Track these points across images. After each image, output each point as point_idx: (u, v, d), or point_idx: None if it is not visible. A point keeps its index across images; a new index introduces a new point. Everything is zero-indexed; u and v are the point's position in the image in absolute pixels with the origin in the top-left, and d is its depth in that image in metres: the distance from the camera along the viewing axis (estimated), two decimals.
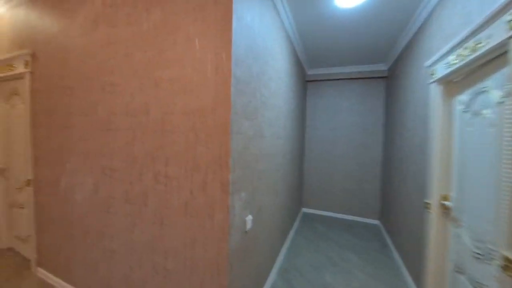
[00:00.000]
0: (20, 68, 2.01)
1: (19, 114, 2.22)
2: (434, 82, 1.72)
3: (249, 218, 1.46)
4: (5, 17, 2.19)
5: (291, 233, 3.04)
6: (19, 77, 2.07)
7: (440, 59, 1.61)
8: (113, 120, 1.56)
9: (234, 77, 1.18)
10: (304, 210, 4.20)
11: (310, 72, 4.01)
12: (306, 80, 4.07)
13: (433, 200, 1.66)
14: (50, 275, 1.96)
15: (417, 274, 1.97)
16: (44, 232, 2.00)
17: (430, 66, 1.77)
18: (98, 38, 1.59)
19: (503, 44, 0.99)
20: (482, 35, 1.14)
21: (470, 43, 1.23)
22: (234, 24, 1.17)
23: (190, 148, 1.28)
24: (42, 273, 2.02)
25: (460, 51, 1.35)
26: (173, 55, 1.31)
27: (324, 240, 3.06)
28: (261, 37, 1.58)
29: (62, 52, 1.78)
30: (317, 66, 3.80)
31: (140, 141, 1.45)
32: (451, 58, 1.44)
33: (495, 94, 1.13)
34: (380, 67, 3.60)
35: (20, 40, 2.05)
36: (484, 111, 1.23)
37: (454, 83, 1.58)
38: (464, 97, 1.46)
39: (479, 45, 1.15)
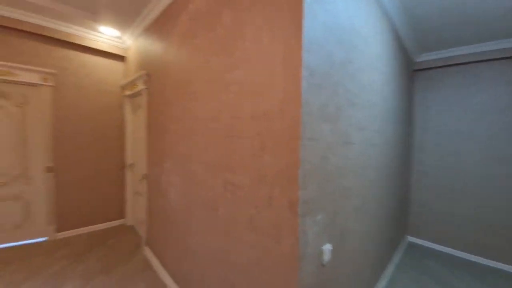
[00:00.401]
0: (140, 86, 2.56)
1: (141, 123, 2.85)
2: None
3: (328, 247, 1.15)
4: (133, 47, 2.89)
5: (390, 269, 2.35)
6: (140, 93, 2.65)
7: None
8: (195, 126, 1.65)
9: (306, 67, 0.93)
10: (410, 239, 3.23)
11: (420, 58, 3.07)
12: (414, 70, 3.15)
13: None
14: (153, 255, 2.35)
15: None
16: (151, 218, 2.43)
17: None
18: (185, 51, 1.74)
19: None
20: None
21: None
22: None
23: (256, 157, 1.12)
24: (148, 252, 2.46)
25: None
26: (241, 54, 1.21)
27: (440, 286, 2.18)
28: (347, 14, 1.24)
29: (164, 69, 2.09)
30: (430, 49, 2.85)
31: (213, 146, 1.45)
32: None
33: None
34: None
35: (141, 64, 2.62)
36: None
37: None
38: None
39: None
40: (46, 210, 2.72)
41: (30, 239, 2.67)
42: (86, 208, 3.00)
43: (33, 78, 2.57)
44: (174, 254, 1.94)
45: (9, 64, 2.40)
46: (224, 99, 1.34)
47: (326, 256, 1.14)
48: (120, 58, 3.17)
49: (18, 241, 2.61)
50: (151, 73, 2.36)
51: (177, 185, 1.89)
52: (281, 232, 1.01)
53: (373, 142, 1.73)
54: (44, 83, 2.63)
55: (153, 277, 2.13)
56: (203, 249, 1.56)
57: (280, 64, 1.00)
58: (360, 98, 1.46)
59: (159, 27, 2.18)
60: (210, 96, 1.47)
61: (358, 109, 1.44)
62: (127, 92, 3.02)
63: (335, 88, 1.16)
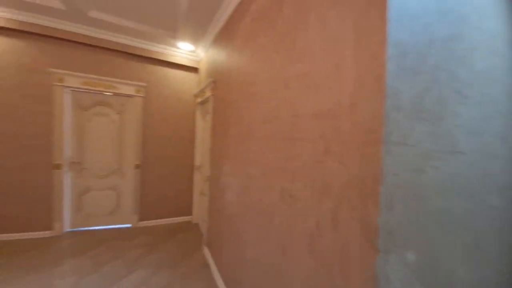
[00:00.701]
0: (208, 93, 2.74)
1: (208, 127, 3.05)
2: None
3: None
4: (204, 58, 3.16)
5: None
6: (208, 100, 2.84)
7: None
8: (253, 128, 1.58)
9: (394, 44, 0.69)
10: None
11: None
12: None
13: None
14: (210, 256, 2.40)
15: None
16: (211, 219, 2.52)
17: None
18: (246, 53, 1.72)
19: None
20: None
21: None
22: None
23: (318, 163, 0.92)
24: (206, 252, 2.54)
25: None
26: (303, 45, 1.05)
27: None
28: None
29: (228, 74, 2.15)
30: None
31: (271, 149, 1.33)
32: None
33: None
34: None
35: (210, 73, 2.82)
36: None
37: None
38: None
39: None
40: (133, 201, 3.24)
41: (119, 224, 3.23)
42: (163, 202, 3.42)
43: (129, 91, 3.14)
44: (228, 260, 1.90)
45: (113, 79, 3.02)
46: (284, 96, 1.20)
47: None
48: (194, 70, 3.54)
49: (110, 225, 3.19)
50: (217, 79, 2.48)
51: (234, 189, 1.86)
52: (349, 268, 0.77)
53: (493, 152, 1.21)
54: (137, 94, 3.18)
55: (210, 279, 2.16)
56: (256, 261, 1.44)
57: (351, 47, 0.78)
58: (472, 89, 1.04)
59: (224, 35, 2.28)
60: (269, 95, 1.36)
61: (469, 104, 1.02)
62: (198, 100, 3.31)
63: (436, 74, 0.84)
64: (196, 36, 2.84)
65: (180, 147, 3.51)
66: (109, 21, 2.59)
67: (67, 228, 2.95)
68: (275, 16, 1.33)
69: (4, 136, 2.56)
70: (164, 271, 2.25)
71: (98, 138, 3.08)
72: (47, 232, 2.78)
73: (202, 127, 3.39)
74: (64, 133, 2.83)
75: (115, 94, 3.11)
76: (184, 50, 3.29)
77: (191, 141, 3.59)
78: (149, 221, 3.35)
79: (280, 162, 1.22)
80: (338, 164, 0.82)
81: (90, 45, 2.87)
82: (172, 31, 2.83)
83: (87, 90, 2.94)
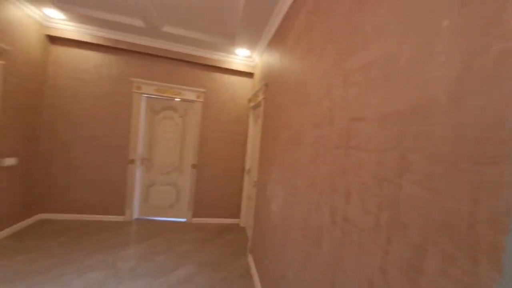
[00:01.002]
0: (260, 97, 2.67)
1: (259, 131, 2.99)
2: None
3: None
4: (259, 63, 3.13)
5: None
6: (260, 103, 2.78)
7: None
8: (302, 133, 1.39)
9: None
10: None
11: None
12: None
13: None
14: (254, 265, 2.28)
15: None
16: (256, 226, 2.41)
17: None
18: (298, 52, 1.55)
19: None
20: None
21: None
22: None
23: (387, 183, 0.67)
24: (250, 260, 2.43)
25: None
26: (371, 25, 0.81)
27: None
28: None
29: (279, 76, 2.02)
30: None
31: (321, 159, 1.11)
32: None
33: None
34: None
35: (263, 76, 2.75)
36: None
37: None
38: None
39: None
40: (189, 198, 3.47)
41: (176, 217, 3.50)
42: (214, 202, 3.55)
43: (192, 96, 3.41)
44: (270, 274, 1.73)
45: (179, 86, 3.34)
46: (340, 95, 0.98)
47: None
48: (249, 75, 3.58)
49: (169, 217, 3.49)
50: (269, 82, 2.39)
51: (279, 199, 1.69)
52: None
53: None
54: (197, 100, 3.43)
55: None
56: (299, 286, 1.23)
57: (449, 14, 0.52)
58: None
59: (277, 37, 2.17)
60: (322, 95, 1.15)
61: None
62: (251, 104, 3.31)
63: None
64: (252, 41, 2.84)
65: (232, 150, 3.58)
66: (178, 33, 2.87)
67: (135, 215, 3.39)
68: (334, 3, 1.12)
69: (99, 135, 3.15)
70: (207, 271, 2.26)
71: (164, 139, 3.45)
72: (120, 217, 3.26)
73: (254, 131, 3.36)
74: (139, 133, 3.28)
75: (180, 100, 3.43)
76: (240, 56, 3.36)
77: (243, 145, 3.61)
78: (201, 219, 3.51)
79: (332, 175, 0.99)
80: (422, 189, 0.55)
81: (162, 56, 3.26)
82: (230, 39, 2.92)
83: (158, 96, 3.34)
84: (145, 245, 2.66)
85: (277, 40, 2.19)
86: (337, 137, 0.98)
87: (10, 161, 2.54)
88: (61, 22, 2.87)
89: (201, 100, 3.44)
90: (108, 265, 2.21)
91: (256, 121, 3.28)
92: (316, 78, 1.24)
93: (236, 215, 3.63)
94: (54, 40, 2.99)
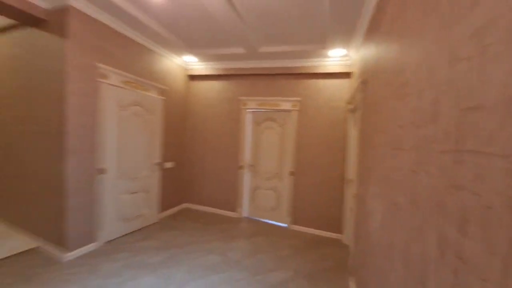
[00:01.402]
0: (358, 96, 2.37)
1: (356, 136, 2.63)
2: None
3: None
4: (356, 60, 2.78)
5: None
6: (357, 105, 2.45)
7: None
8: (400, 135, 1.10)
9: None
10: None
11: None
12: None
13: None
14: (355, 285, 1.99)
15: None
16: (357, 244, 2.10)
17: None
18: (394, 35, 1.25)
19: None
20: None
21: None
22: None
23: None
24: (352, 284, 2.13)
25: None
26: None
27: None
28: None
29: (375, 71, 1.72)
30: None
31: (424, 169, 0.83)
32: None
33: None
34: None
35: (361, 73, 2.43)
36: None
37: None
38: None
39: None
40: (287, 204, 3.58)
41: (277, 221, 3.69)
42: (312, 211, 3.45)
43: (288, 106, 3.56)
44: None
45: (277, 98, 3.59)
46: (445, 77, 0.71)
47: None
48: (346, 75, 3.26)
49: (271, 220, 3.74)
50: (366, 79, 2.07)
51: (377, 215, 1.40)
52: None
53: None
54: (293, 109, 3.53)
55: None
56: None
57: None
58: None
59: (371, 27, 1.86)
60: (422, 83, 0.87)
61: None
62: (350, 106, 2.99)
63: None
64: (345, 39, 2.60)
65: (330, 157, 3.36)
66: (273, 51, 3.14)
67: (245, 214, 3.91)
68: None
69: (220, 147, 3.98)
70: (302, 281, 2.21)
71: (266, 147, 3.80)
72: (233, 213, 3.88)
73: (353, 136, 2.99)
74: (246, 143, 3.82)
75: (278, 111, 3.68)
76: (334, 57, 3.15)
77: (342, 151, 3.29)
78: (300, 227, 3.50)
79: (438, 191, 0.71)
80: None
81: (261, 74, 3.67)
82: (321, 43, 2.84)
83: (260, 109, 3.76)
84: (250, 242, 3.00)
85: (372, 30, 1.88)
86: (443, 137, 0.71)
87: (170, 164, 3.72)
88: (194, 64, 3.94)
89: (296, 108, 3.51)
90: (222, 252, 2.68)
91: (354, 125, 2.90)
92: (415, 62, 0.96)
93: (337, 229, 3.32)
94: (192, 77, 4.14)
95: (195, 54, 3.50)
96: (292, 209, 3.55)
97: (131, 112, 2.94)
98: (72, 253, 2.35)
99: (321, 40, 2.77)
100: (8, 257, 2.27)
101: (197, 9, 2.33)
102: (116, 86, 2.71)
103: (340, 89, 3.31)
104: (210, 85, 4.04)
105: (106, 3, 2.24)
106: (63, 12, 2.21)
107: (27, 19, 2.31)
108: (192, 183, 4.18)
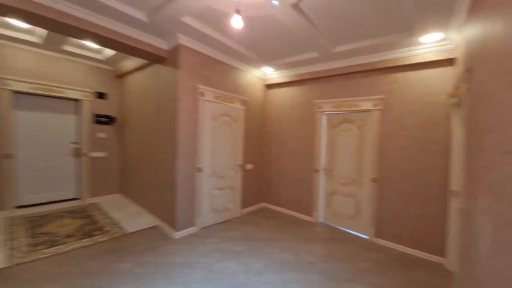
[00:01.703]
0: (462, 88, 1.92)
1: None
2: None
3: None
4: (460, 41, 2.24)
5: None
6: (462, 97, 1.98)
7: None
8: None
9: None
10: None
11: None
12: None
13: None
14: None
15: None
16: (461, 269, 1.69)
17: None
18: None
19: None
20: None
21: None
22: None
23: None
24: None
25: None
26: None
27: None
28: None
29: (484, 52, 1.38)
30: None
31: None
32: None
33: None
34: None
35: (466, 58, 1.96)
36: None
37: None
38: None
39: None
40: (369, 213, 3.24)
41: (357, 231, 3.39)
42: (400, 224, 2.98)
43: (368, 106, 3.26)
44: None
45: (354, 98, 3.35)
46: None
47: None
48: (446, 62, 2.66)
49: (350, 229, 3.47)
50: (474, 65, 1.67)
51: (485, 238, 1.13)
52: None
53: None
54: (374, 108, 3.20)
55: None
56: None
57: None
58: None
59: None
60: None
61: None
62: (454, 100, 2.43)
63: None
64: (441, 19, 2.16)
65: (425, 162, 2.80)
66: (349, 49, 2.99)
67: (320, 219, 3.82)
68: None
69: (295, 149, 4.11)
70: None
71: (342, 151, 3.60)
72: (308, 217, 3.88)
73: (461, 136, 2.39)
74: (321, 146, 3.76)
75: (357, 111, 3.43)
76: (428, 44, 2.65)
77: (442, 155, 2.68)
78: (385, 241, 3.09)
79: None
80: None
81: (336, 75, 3.53)
82: (408, 31, 2.47)
83: (336, 112, 3.63)
84: (325, 247, 2.93)
85: (477, 3, 1.51)
86: None
87: (250, 166, 4.16)
88: (271, 74, 4.25)
89: (378, 108, 3.16)
90: (296, 252, 2.76)
91: (461, 123, 2.32)
92: None
93: (437, 250, 2.71)
94: (269, 86, 4.49)
95: (271, 65, 3.80)
96: (375, 219, 3.19)
97: (221, 121, 3.53)
98: (179, 232, 3.05)
99: (407, 27, 2.41)
100: (140, 230, 3.21)
101: (270, 24, 2.56)
102: (210, 101, 3.33)
103: (439, 80, 2.73)
104: (285, 92, 4.24)
105: (202, 35, 2.83)
106: (177, 49, 2.96)
107: (156, 59, 3.25)
108: (269, 184, 4.48)
